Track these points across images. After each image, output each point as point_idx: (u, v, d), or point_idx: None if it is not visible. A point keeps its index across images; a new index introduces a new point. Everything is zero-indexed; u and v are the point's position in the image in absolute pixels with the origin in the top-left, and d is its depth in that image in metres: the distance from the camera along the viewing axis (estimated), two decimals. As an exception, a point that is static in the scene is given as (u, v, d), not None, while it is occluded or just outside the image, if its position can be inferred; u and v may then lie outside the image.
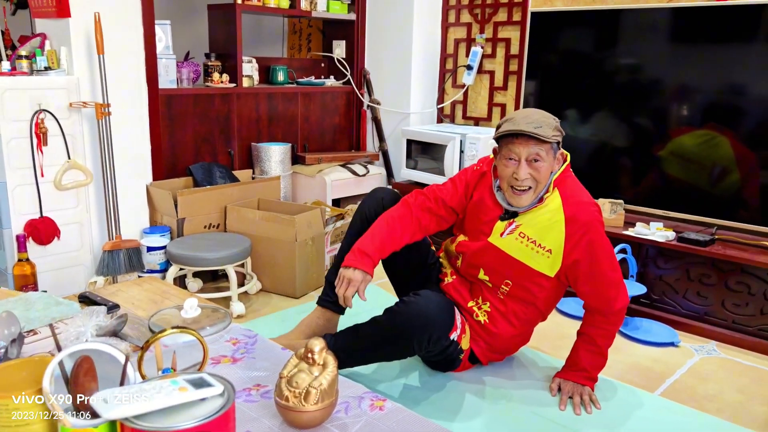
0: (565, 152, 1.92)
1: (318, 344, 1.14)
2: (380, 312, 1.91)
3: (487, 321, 2.01)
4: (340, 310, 2.15)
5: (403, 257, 2.06)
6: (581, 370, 2.03)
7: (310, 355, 1.13)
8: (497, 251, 1.93)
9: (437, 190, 2.04)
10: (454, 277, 2.09)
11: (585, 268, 1.88)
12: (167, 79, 3.01)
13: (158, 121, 2.94)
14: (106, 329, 1.37)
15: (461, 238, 2.06)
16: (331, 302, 2.11)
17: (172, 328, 0.99)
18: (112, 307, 1.56)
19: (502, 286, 1.98)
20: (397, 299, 2.04)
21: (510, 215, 1.92)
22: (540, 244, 1.88)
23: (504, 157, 1.85)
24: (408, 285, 2.12)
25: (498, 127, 1.87)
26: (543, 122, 1.80)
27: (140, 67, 2.81)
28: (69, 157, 2.54)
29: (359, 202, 2.19)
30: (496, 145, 1.91)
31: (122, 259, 2.61)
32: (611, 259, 1.92)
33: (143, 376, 0.99)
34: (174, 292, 1.71)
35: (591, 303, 1.96)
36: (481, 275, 2.00)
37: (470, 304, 2.03)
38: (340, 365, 2.02)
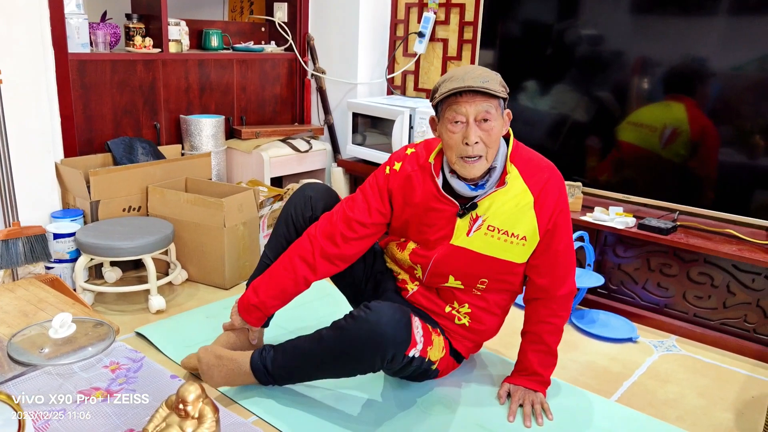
0: (510, 112, 1.67)
1: (192, 392, 0.89)
2: (319, 313, 1.69)
3: (470, 322, 1.81)
4: (265, 323, 1.90)
5: (348, 272, 1.86)
6: (532, 374, 1.84)
7: (181, 405, 0.88)
8: (466, 253, 1.69)
9: (349, 210, 1.77)
10: (417, 284, 1.84)
11: (546, 239, 1.70)
12: (78, 43, 2.66)
13: (69, 91, 2.61)
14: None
15: (412, 245, 1.80)
16: None
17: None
18: (-34, 325, 1.28)
19: (478, 285, 1.76)
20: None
21: (468, 208, 1.67)
22: (513, 234, 1.66)
23: (448, 121, 1.59)
24: (362, 296, 1.92)
25: (435, 91, 1.62)
26: (488, 77, 1.57)
27: (44, 29, 2.45)
28: (-45, 132, 2.20)
29: (284, 204, 1.93)
30: (434, 114, 1.66)
31: (21, 249, 2.29)
32: (570, 237, 1.75)
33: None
34: (53, 301, 1.43)
35: (538, 280, 1.75)
36: (451, 282, 1.76)
37: (447, 309, 1.81)
38: (279, 383, 1.77)
